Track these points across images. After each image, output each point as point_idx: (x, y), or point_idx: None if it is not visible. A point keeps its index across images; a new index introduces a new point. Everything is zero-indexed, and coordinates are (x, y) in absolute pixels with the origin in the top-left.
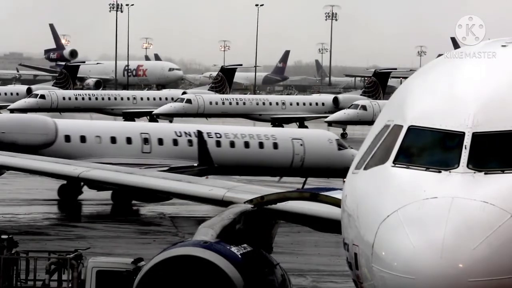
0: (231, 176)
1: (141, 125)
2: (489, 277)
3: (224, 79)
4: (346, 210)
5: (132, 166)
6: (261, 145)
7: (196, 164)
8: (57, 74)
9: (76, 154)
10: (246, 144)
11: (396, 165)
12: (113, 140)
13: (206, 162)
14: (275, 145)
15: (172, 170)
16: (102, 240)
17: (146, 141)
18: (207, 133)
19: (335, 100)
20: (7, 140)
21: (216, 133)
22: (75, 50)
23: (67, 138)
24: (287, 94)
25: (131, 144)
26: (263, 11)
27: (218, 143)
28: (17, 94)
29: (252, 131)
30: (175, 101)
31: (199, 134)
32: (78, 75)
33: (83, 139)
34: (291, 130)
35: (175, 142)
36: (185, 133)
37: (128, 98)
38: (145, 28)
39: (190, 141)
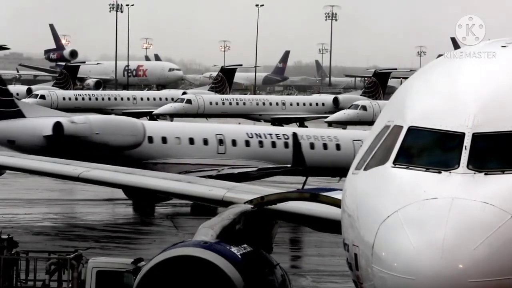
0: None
1: (216, 127)
2: (489, 277)
3: (224, 79)
4: (346, 211)
5: (209, 166)
6: (325, 146)
7: (289, 166)
8: (57, 75)
9: (158, 155)
10: (311, 146)
11: (396, 166)
12: (191, 141)
13: (300, 163)
14: (338, 147)
15: (261, 170)
16: (102, 240)
17: (221, 142)
18: (283, 134)
19: (335, 100)
20: (100, 141)
21: (283, 135)
22: (75, 50)
23: (150, 139)
24: (287, 94)
25: (208, 145)
26: (263, 11)
27: (286, 145)
28: (17, 94)
29: (316, 133)
30: (175, 101)
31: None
32: (78, 76)
33: (164, 140)
34: (352, 132)
35: (247, 143)
36: (256, 134)
37: (128, 99)
38: (145, 28)
39: (260, 142)
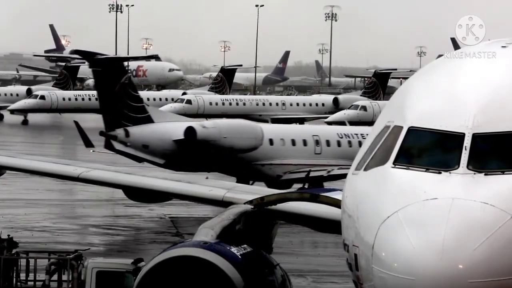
0: None
1: (312, 128)
2: (489, 278)
3: (224, 80)
4: (346, 211)
5: (308, 166)
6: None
7: None
8: (57, 75)
9: (266, 157)
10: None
11: (396, 166)
12: (293, 142)
13: None
14: None
15: None
16: (102, 241)
17: (317, 142)
18: (367, 134)
19: (335, 100)
20: (227, 144)
21: (345, 134)
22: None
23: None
24: (287, 95)
25: (306, 146)
26: (263, 12)
27: (350, 144)
28: (17, 94)
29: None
30: (175, 102)
31: None
32: (78, 76)
33: (271, 142)
34: None
35: (339, 144)
36: (345, 134)
37: None
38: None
39: (349, 142)
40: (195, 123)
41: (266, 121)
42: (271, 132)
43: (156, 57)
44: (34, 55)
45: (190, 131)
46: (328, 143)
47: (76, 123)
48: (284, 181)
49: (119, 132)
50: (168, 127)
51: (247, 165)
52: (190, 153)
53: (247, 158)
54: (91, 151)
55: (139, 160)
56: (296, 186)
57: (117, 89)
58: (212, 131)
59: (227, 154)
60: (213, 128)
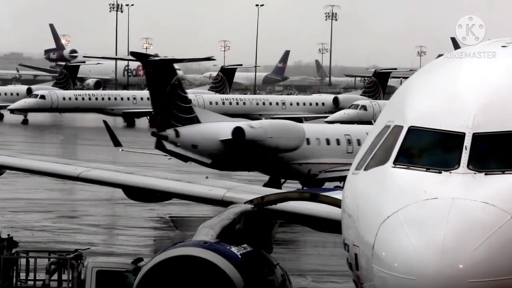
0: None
1: (344, 127)
2: (490, 277)
3: (224, 79)
4: (347, 211)
5: (341, 165)
6: None
7: None
8: (57, 74)
9: (303, 156)
10: None
11: (397, 166)
12: (328, 141)
13: None
14: None
15: None
16: (102, 240)
17: (349, 142)
18: None
19: (335, 100)
20: (273, 144)
21: None
22: (75, 50)
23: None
24: (287, 94)
25: (340, 145)
26: (263, 11)
27: None
28: (17, 94)
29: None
30: None
31: None
32: (78, 75)
33: (308, 141)
34: None
35: None
36: None
37: (128, 98)
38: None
39: None
40: (243, 123)
41: None
42: (308, 131)
43: (212, 59)
44: (85, 56)
45: (238, 131)
46: (359, 142)
47: (105, 122)
48: (319, 180)
49: (170, 132)
50: (215, 127)
51: (285, 164)
52: (237, 153)
53: (286, 158)
54: (120, 150)
55: (186, 159)
56: (296, 187)
57: (168, 90)
58: (259, 131)
59: (271, 154)
60: (260, 128)
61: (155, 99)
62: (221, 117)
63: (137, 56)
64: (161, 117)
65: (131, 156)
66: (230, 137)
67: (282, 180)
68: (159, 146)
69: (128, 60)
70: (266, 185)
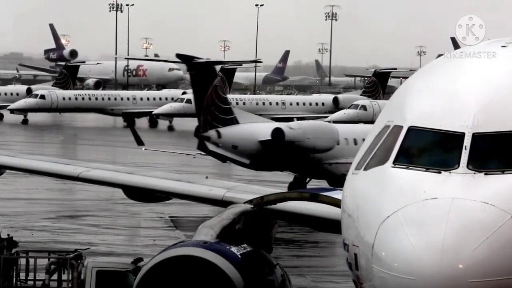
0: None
1: (369, 127)
2: (489, 277)
3: (224, 79)
4: (346, 211)
5: None
6: None
7: None
8: (57, 74)
9: (331, 156)
10: None
11: (396, 166)
12: (355, 141)
13: None
14: None
15: None
16: (102, 240)
17: None
18: None
19: (335, 100)
20: (310, 145)
21: None
22: (75, 50)
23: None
24: (287, 94)
25: None
26: (263, 11)
27: None
28: (17, 94)
29: None
30: (175, 101)
31: None
32: (78, 75)
33: (337, 141)
34: None
35: None
36: None
37: (128, 98)
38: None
39: None
40: (282, 124)
41: None
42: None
43: (259, 61)
44: (126, 58)
45: (277, 132)
46: None
47: (128, 121)
48: None
49: (212, 133)
50: (254, 128)
51: (316, 164)
52: (275, 154)
53: (317, 158)
54: (143, 149)
55: (224, 160)
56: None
57: (210, 92)
58: (298, 132)
59: (309, 155)
60: (298, 129)
61: (198, 100)
62: (257, 117)
63: (182, 58)
64: (204, 118)
65: (153, 155)
66: (268, 138)
67: (307, 179)
68: (201, 146)
69: (172, 62)
70: (291, 184)
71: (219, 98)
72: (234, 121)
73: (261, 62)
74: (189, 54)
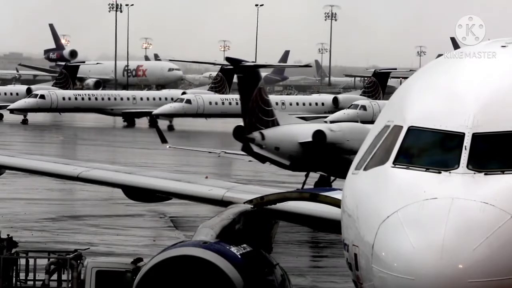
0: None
1: None
2: (489, 277)
3: (224, 79)
4: (346, 211)
5: None
6: None
7: None
8: (57, 74)
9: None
10: None
11: (396, 166)
12: None
13: None
14: None
15: None
16: (102, 240)
17: None
18: None
19: (335, 100)
20: (349, 147)
21: None
22: (75, 50)
23: None
24: (287, 94)
25: None
26: (263, 11)
27: None
28: (17, 94)
29: None
30: (174, 101)
31: None
32: (77, 75)
33: None
34: None
35: None
36: None
37: (128, 98)
38: (145, 28)
39: None
40: (322, 126)
41: None
42: None
43: (309, 66)
44: (171, 60)
45: (319, 134)
46: None
47: (153, 119)
48: None
49: (256, 135)
50: (294, 129)
51: (347, 165)
52: (315, 155)
53: (351, 158)
54: (167, 147)
55: (264, 161)
56: (295, 187)
57: (255, 94)
58: (338, 134)
59: (344, 156)
60: (339, 132)
61: (244, 103)
62: (295, 119)
63: (231, 61)
64: (249, 120)
65: (178, 153)
66: (309, 139)
67: (332, 178)
68: (246, 148)
69: (221, 64)
70: (317, 182)
71: (262, 100)
72: (275, 123)
73: (310, 66)
74: (189, 54)
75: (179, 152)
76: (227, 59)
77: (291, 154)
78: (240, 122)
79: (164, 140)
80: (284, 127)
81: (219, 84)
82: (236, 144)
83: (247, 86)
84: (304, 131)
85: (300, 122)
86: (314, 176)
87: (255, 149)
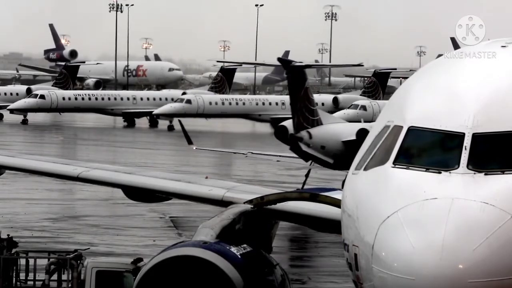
0: None
1: None
2: (489, 277)
3: (224, 79)
4: (346, 211)
5: None
6: None
7: None
8: (57, 74)
9: None
10: None
11: (396, 166)
12: None
13: None
14: None
15: None
16: (102, 240)
17: None
18: None
19: (335, 100)
20: None
21: None
22: (75, 50)
23: None
24: (287, 94)
25: None
26: (263, 11)
27: None
28: (17, 94)
29: None
30: (175, 101)
31: None
32: (78, 75)
33: None
34: None
35: None
36: None
37: (128, 98)
38: (145, 28)
39: None
40: (367, 125)
41: (266, 121)
42: None
43: (361, 65)
44: (223, 61)
45: (363, 132)
46: None
47: (180, 121)
48: None
49: (304, 134)
50: (338, 128)
51: None
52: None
53: None
54: (194, 148)
55: (307, 159)
56: (295, 187)
57: (302, 94)
58: None
59: None
60: None
61: (293, 102)
62: (335, 118)
63: (282, 61)
64: (297, 120)
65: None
66: (352, 138)
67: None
68: (294, 147)
69: (273, 65)
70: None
71: (308, 100)
72: (319, 122)
73: (362, 65)
74: (189, 54)
75: (179, 152)
76: (279, 59)
77: (335, 152)
78: (240, 122)
79: (190, 142)
80: (328, 126)
81: (219, 84)
82: (236, 144)
83: (296, 86)
84: (348, 130)
85: (341, 121)
86: (314, 176)
87: (304, 148)
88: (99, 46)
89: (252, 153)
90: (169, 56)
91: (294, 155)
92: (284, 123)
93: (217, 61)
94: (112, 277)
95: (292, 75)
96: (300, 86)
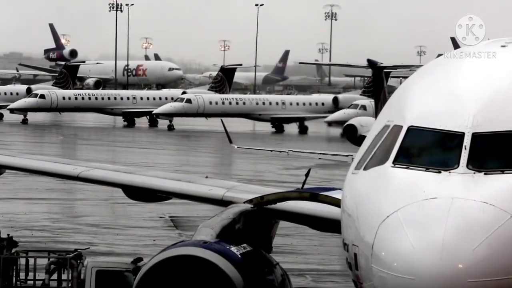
0: None
1: None
2: (489, 277)
3: (224, 79)
4: (346, 211)
5: None
6: None
7: None
8: (57, 74)
9: None
10: None
11: (396, 166)
12: None
13: None
14: None
15: None
16: (102, 240)
17: None
18: None
19: (335, 100)
20: None
21: None
22: (75, 50)
23: None
24: (287, 94)
25: None
26: (263, 11)
27: None
28: (17, 94)
29: None
30: (175, 101)
31: None
32: (78, 75)
33: None
34: None
35: None
36: None
37: (128, 98)
38: (145, 28)
39: None
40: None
41: (266, 121)
42: None
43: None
44: (301, 63)
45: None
46: None
47: (222, 121)
48: None
49: None
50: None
51: None
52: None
53: None
54: (236, 147)
55: None
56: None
57: (382, 94)
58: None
59: None
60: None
61: (376, 101)
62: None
63: (369, 63)
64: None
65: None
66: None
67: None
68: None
69: (362, 67)
70: None
71: (385, 101)
72: None
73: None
74: (189, 54)
75: (179, 152)
76: (368, 61)
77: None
78: (240, 122)
79: (231, 141)
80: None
81: (219, 84)
82: (237, 144)
83: (378, 86)
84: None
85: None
86: (315, 176)
87: None
88: (99, 46)
89: (293, 151)
90: (169, 56)
91: (336, 152)
92: (351, 121)
93: (300, 63)
94: (112, 277)
95: (377, 76)
96: (382, 86)
